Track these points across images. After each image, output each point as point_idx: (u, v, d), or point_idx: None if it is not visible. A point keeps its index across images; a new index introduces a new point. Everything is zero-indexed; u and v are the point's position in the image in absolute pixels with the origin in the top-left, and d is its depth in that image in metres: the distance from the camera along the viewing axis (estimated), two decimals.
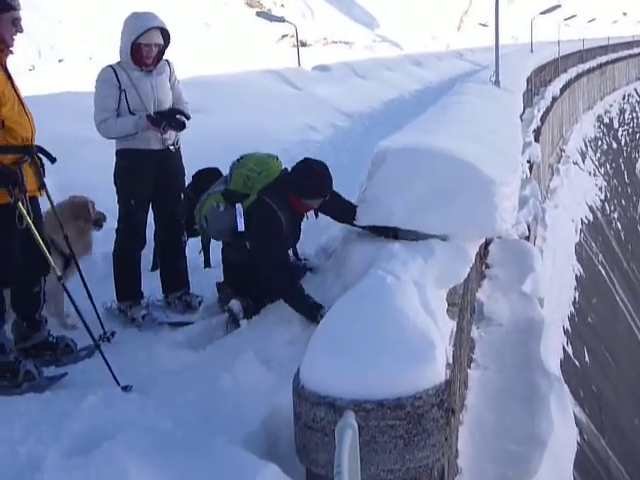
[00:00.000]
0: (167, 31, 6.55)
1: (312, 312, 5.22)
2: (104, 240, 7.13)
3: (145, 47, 6.37)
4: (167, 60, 6.73)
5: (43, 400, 5.23)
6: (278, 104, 17.51)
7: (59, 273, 5.63)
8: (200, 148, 11.85)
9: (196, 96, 15.12)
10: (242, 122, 14.54)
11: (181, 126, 6.54)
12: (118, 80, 6.35)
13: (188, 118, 6.59)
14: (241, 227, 5.77)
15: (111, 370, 5.31)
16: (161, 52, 6.58)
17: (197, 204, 6.32)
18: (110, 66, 6.46)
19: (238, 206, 5.83)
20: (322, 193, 5.75)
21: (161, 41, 6.50)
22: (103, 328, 5.76)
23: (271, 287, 5.76)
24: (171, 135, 6.59)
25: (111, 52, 6.83)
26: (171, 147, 6.71)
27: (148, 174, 6.58)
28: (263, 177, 6.00)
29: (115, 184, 6.68)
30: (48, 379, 5.56)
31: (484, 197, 5.01)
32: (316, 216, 6.08)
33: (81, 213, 6.54)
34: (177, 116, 6.51)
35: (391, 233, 5.30)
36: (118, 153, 6.62)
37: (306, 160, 5.95)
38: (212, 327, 6.17)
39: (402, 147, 5.28)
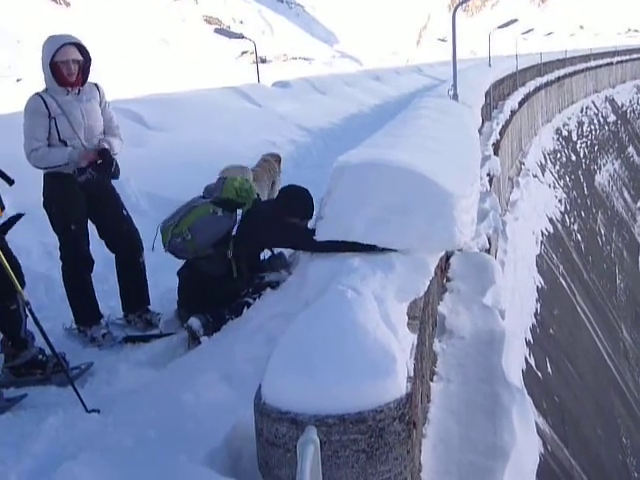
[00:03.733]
0: (84, 47, 6.49)
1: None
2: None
3: (63, 65, 6.31)
4: (96, 84, 6.68)
5: (3, 421, 5.19)
6: (238, 121, 17.51)
7: (26, 298, 5.58)
8: (159, 166, 11.86)
9: (155, 114, 15.19)
10: (202, 139, 14.53)
11: (111, 173, 6.54)
12: (47, 108, 6.28)
13: (108, 166, 6.51)
14: (235, 230, 6.26)
15: (78, 394, 5.26)
16: (85, 71, 6.51)
17: (161, 226, 6.39)
18: (38, 94, 6.37)
19: (239, 212, 6.32)
20: (309, 213, 6.32)
21: (79, 57, 6.42)
22: (56, 355, 5.64)
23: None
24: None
25: None
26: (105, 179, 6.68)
27: (80, 196, 6.53)
28: (252, 192, 6.50)
29: (48, 210, 6.58)
30: (8, 400, 5.51)
31: (442, 210, 5.02)
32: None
33: None
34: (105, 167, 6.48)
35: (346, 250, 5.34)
36: (47, 177, 6.52)
37: (291, 185, 6.54)
38: (173, 345, 6.17)
39: (360, 162, 5.29)
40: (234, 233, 6.18)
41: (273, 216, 6.12)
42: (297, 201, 6.31)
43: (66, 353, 5.95)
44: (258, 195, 6.68)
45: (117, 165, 6.53)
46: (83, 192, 6.51)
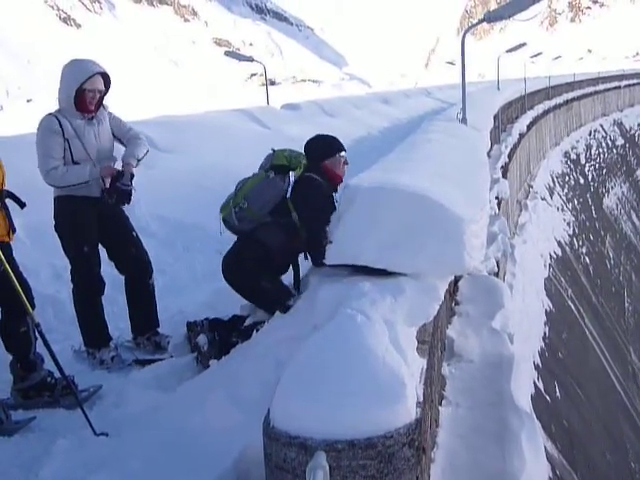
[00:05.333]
0: (108, 76, 6.56)
1: None
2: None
3: (89, 93, 6.37)
4: (102, 104, 6.72)
5: (11, 444, 5.19)
6: (247, 143, 17.55)
7: (37, 320, 5.58)
8: (169, 188, 11.91)
9: (165, 136, 15.24)
10: (211, 162, 14.57)
11: (127, 197, 6.59)
12: (62, 129, 6.32)
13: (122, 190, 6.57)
14: (288, 193, 6.25)
15: (87, 417, 5.25)
16: (102, 98, 6.57)
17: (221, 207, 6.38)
18: (53, 115, 6.40)
19: (292, 174, 6.39)
20: (340, 144, 6.55)
21: (103, 87, 6.50)
22: (65, 377, 5.63)
23: (318, 248, 5.71)
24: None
25: None
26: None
27: (92, 219, 6.56)
28: (302, 157, 6.50)
29: (60, 233, 6.60)
30: (16, 423, 5.51)
31: (453, 235, 5.02)
32: (306, 257, 6.34)
33: None
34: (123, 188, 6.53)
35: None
36: (59, 200, 6.54)
37: (309, 139, 6.61)
38: (181, 367, 6.16)
39: (371, 186, 5.30)
40: (289, 195, 6.22)
41: (320, 184, 6.24)
42: (323, 141, 6.55)
43: (75, 375, 5.94)
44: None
45: (130, 192, 6.59)
46: (95, 214, 6.55)
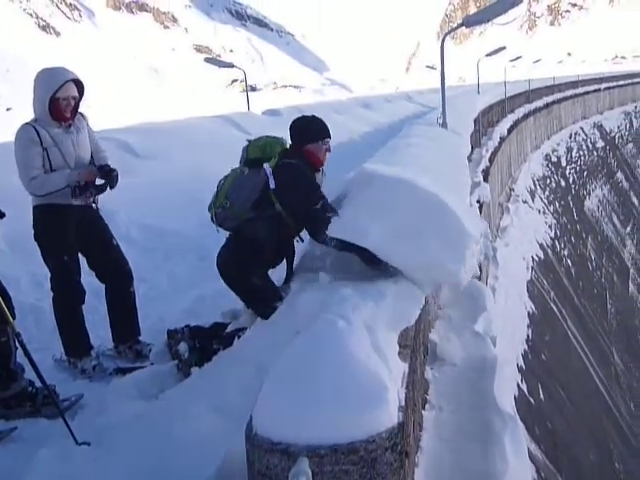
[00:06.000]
0: (81, 83, 6.52)
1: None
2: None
3: (63, 101, 6.33)
4: (81, 113, 6.69)
5: None
6: (228, 149, 17.47)
7: (17, 329, 5.54)
8: (149, 195, 11.87)
9: (145, 143, 15.22)
10: (192, 167, 14.53)
11: (107, 185, 6.60)
12: (40, 138, 6.28)
13: (111, 176, 6.61)
14: (272, 184, 5.94)
15: (68, 426, 5.22)
16: (77, 105, 6.54)
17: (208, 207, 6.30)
18: (30, 124, 6.35)
19: (266, 165, 6.05)
20: (325, 130, 6.29)
21: (77, 94, 6.47)
22: (46, 387, 5.59)
23: (318, 228, 5.65)
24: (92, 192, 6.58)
25: None
26: (92, 204, 6.70)
27: (71, 227, 6.53)
28: (280, 144, 6.32)
29: (39, 242, 6.56)
30: None
31: (457, 246, 5.06)
32: (301, 240, 6.25)
33: None
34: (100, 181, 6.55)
35: (355, 253, 5.36)
36: (37, 209, 6.50)
37: (296, 119, 6.44)
38: (162, 375, 6.12)
39: (391, 175, 5.37)
40: (272, 187, 5.99)
41: (300, 167, 6.04)
42: (308, 125, 6.35)
43: (56, 385, 5.91)
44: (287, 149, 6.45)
45: (117, 175, 6.61)
46: (74, 222, 6.52)
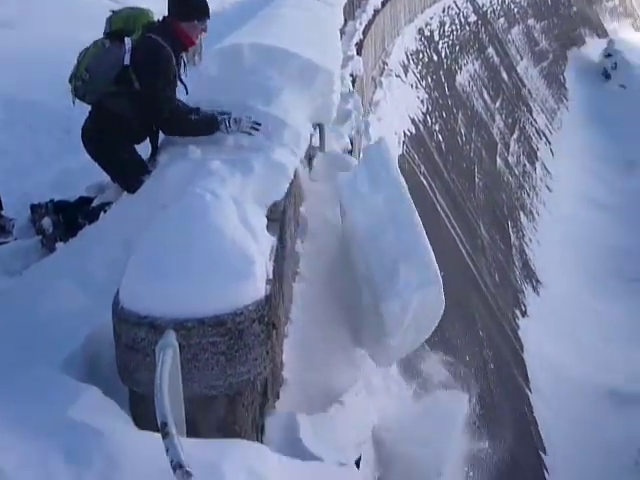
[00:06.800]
0: None
1: (214, 125, 5.40)
2: None
3: None
4: None
5: None
6: (92, 15, 16.83)
7: None
8: (11, 66, 11.30)
9: (3, 10, 14.41)
10: (58, 36, 13.84)
11: None
12: None
13: None
14: (127, 60, 5.65)
15: None
16: None
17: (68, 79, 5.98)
18: None
19: (127, 40, 5.71)
20: (206, 10, 5.92)
21: None
22: None
23: (169, 121, 5.65)
24: None
25: None
26: None
27: None
28: (145, 15, 5.96)
29: None
30: None
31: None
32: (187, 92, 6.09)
33: None
34: None
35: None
36: None
37: None
38: (25, 250, 5.99)
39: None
40: (126, 62, 5.66)
41: (161, 46, 5.66)
42: (188, 1, 5.85)
43: None
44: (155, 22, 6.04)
45: None
46: None
